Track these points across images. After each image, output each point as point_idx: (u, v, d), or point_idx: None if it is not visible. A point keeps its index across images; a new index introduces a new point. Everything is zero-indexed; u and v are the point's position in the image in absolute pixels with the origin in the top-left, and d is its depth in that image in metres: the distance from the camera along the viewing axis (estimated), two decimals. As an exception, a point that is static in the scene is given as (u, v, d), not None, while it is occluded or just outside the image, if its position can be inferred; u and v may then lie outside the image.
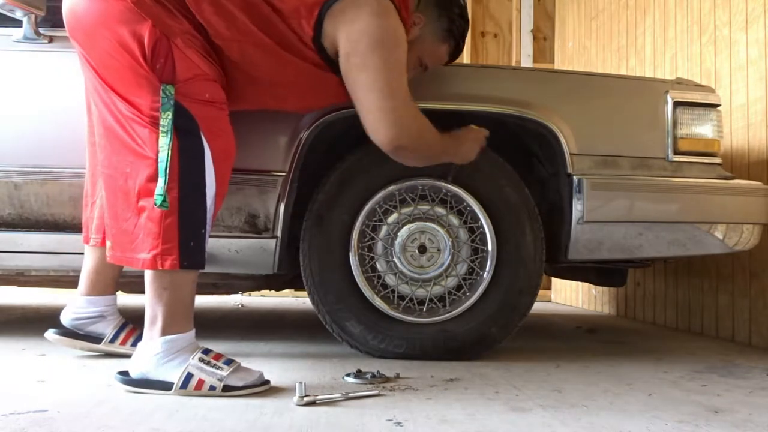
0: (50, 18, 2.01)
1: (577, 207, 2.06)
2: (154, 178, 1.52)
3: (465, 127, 1.98)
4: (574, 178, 2.07)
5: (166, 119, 1.52)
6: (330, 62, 1.74)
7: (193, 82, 1.57)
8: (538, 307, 3.05)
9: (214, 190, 1.59)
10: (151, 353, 1.56)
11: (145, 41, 1.52)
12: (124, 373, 1.59)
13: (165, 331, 1.56)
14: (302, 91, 1.83)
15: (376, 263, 2.08)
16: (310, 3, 1.69)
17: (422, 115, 1.80)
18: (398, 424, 1.33)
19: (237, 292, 3.24)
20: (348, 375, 1.75)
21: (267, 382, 1.61)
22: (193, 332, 1.61)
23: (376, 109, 1.70)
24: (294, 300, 4.30)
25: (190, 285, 1.60)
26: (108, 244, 1.67)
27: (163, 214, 1.52)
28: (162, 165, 1.51)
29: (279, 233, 2.02)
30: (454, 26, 1.95)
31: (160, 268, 1.53)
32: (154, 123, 1.53)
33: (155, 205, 1.51)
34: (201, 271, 1.63)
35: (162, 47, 1.53)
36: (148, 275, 1.57)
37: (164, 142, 1.52)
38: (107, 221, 1.68)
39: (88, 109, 1.87)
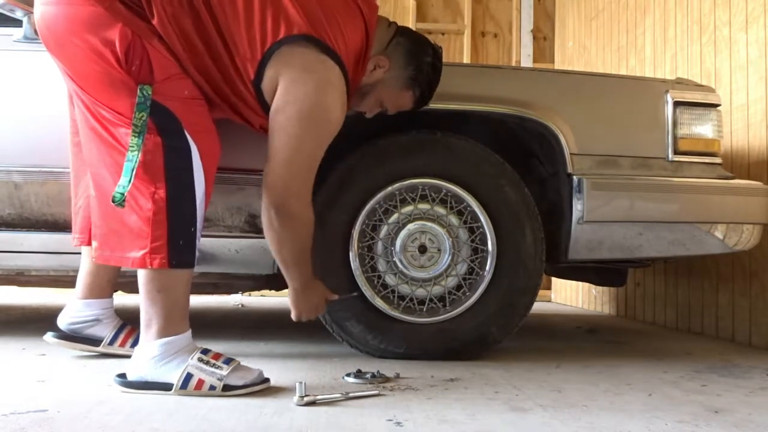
0: (50, 18, 2.00)
1: (577, 207, 2.06)
2: (139, 178, 1.51)
3: (319, 287, 1.92)
4: (574, 177, 2.07)
5: (139, 119, 1.50)
6: (262, 104, 1.69)
7: (170, 81, 1.56)
8: (538, 307, 3.05)
9: (203, 188, 1.58)
10: (149, 356, 1.56)
11: (117, 46, 1.50)
12: (123, 376, 1.59)
13: (161, 334, 1.56)
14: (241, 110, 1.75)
15: (377, 263, 2.08)
16: (260, 39, 1.62)
17: (310, 214, 1.73)
18: (398, 424, 1.33)
19: (237, 292, 3.25)
20: (348, 375, 1.75)
21: (267, 380, 1.61)
22: (189, 333, 1.61)
23: (275, 170, 1.66)
24: (294, 300, 4.29)
25: (183, 286, 1.59)
26: (94, 244, 1.66)
27: (153, 212, 1.51)
28: (129, 165, 1.50)
29: (279, 233, 2.01)
30: (420, 76, 1.86)
31: (150, 267, 1.52)
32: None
33: (113, 202, 1.49)
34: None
35: (136, 49, 1.52)
36: (141, 278, 1.56)
37: (134, 142, 1.50)
38: (95, 221, 1.66)
39: (69, 109, 1.87)
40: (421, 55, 1.87)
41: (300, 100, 1.63)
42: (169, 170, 1.53)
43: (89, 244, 1.83)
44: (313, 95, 1.63)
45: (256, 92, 1.66)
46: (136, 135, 1.50)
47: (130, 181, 1.49)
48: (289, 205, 1.69)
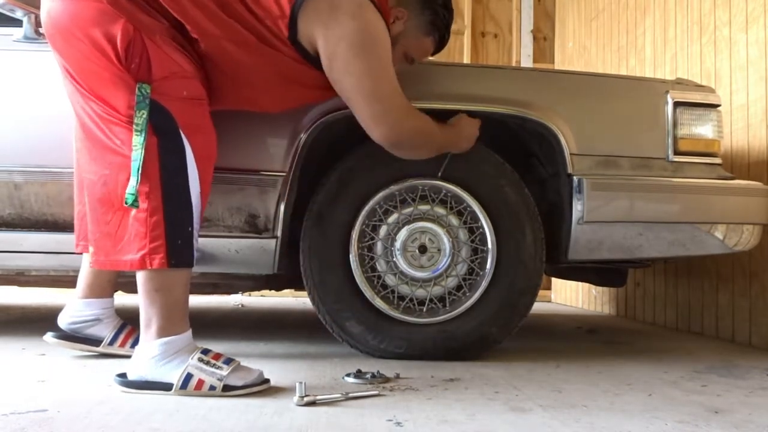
0: (50, 18, 2.00)
1: (577, 207, 2.06)
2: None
3: (457, 116, 2.00)
4: (574, 178, 2.07)
5: (140, 118, 1.51)
6: (309, 58, 1.73)
7: (169, 80, 1.56)
8: (538, 307, 3.05)
9: (198, 188, 1.58)
10: (149, 356, 1.56)
11: (118, 41, 1.51)
12: (123, 376, 1.59)
13: (161, 334, 1.56)
14: (279, 89, 1.80)
15: (376, 263, 2.08)
16: (283, 2, 1.67)
17: (415, 109, 1.82)
18: (398, 424, 1.33)
19: (237, 292, 3.24)
20: (348, 375, 1.75)
21: (267, 381, 1.61)
22: (189, 332, 1.61)
23: (366, 113, 1.75)
24: (294, 300, 4.30)
25: (182, 286, 1.59)
26: (91, 250, 1.65)
27: (149, 213, 1.51)
28: (135, 164, 1.50)
29: (279, 233, 2.02)
30: (437, 18, 1.95)
31: (149, 268, 1.52)
32: (131, 122, 1.52)
33: (125, 204, 1.50)
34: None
35: (136, 46, 1.52)
36: (140, 279, 1.56)
37: (138, 140, 1.51)
38: (90, 226, 1.65)
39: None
40: None
41: (344, 38, 1.67)
42: (164, 170, 1.53)
43: (87, 250, 1.83)
44: (353, 24, 1.68)
45: (296, 48, 1.70)
46: (138, 133, 1.51)
47: (138, 180, 1.50)
48: (402, 130, 1.78)
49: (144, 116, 1.51)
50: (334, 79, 1.73)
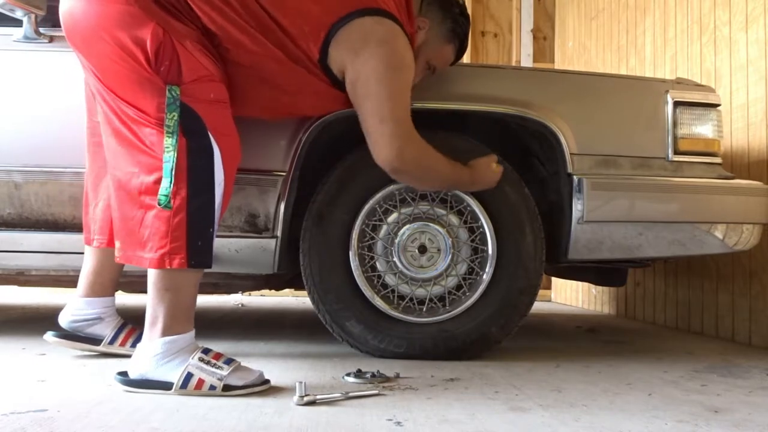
0: (50, 18, 2.00)
1: (577, 207, 2.06)
2: (161, 179, 1.53)
3: (479, 160, 1.99)
4: (575, 177, 2.07)
5: (171, 120, 1.53)
6: (335, 81, 1.78)
7: (198, 83, 1.58)
8: (538, 307, 3.05)
9: (223, 189, 1.60)
10: (151, 354, 1.56)
11: (148, 45, 1.52)
12: (124, 374, 1.59)
13: (165, 332, 1.56)
14: (304, 99, 1.85)
15: (376, 263, 2.08)
16: (316, 25, 1.71)
17: (424, 142, 1.82)
18: (398, 424, 1.33)
19: (237, 292, 3.25)
20: (348, 375, 1.75)
21: (267, 381, 1.61)
22: (193, 332, 1.61)
23: (377, 133, 1.77)
24: (294, 300, 4.30)
25: (192, 286, 1.60)
26: (117, 244, 1.67)
27: (172, 213, 1.53)
28: (167, 165, 1.52)
29: (279, 233, 2.02)
30: (457, 26, 1.98)
31: (168, 267, 1.53)
32: (161, 124, 1.53)
33: (158, 205, 1.52)
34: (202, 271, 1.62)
35: (166, 50, 1.53)
36: (152, 276, 1.56)
37: (169, 142, 1.53)
38: (116, 222, 1.67)
39: (88, 110, 1.87)
40: (451, 7, 1.99)
41: (370, 59, 1.71)
42: (192, 171, 1.55)
43: (111, 245, 1.83)
44: (381, 51, 1.72)
45: (324, 70, 1.74)
46: (170, 135, 1.53)
47: (171, 182, 1.52)
48: (407, 158, 1.78)
49: (175, 118, 1.53)
50: (354, 101, 1.78)
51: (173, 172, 1.52)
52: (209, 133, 1.57)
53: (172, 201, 1.52)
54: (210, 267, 1.61)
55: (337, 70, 1.76)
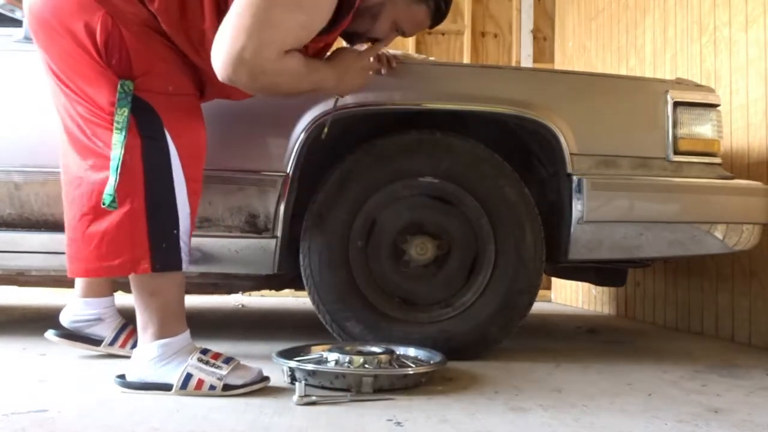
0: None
1: (577, 207, 2.06)
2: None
3: (337, 49, 1.71)
4: (574, 177, 2.07)
5: (121, 116, 1.45)
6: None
7: (153, 76, 1.50)
8: (538, 307, 3.05)
9: (186, 188, 1.53)
10: (148, 358, 1.55)
11: (97, 35, 1.45)
12: (123, 377, 1.59)
13: (158, 336, 1.54)
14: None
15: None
16: None
17: (287, 59, 1.48)
18: (398, 424, 1.33)
19: (237, 292, 3.24)
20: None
21: (266, 378, 1.61)
22: (187, 333, 1.59)
23: (223, 25, 1.44)
24: (294, 300, 4.30)
25: (175, 288, 1.56)
26: (67, 259, 1.57)
27: (130, 218, 1.46)
28: (113, 163, 1.44)
29: (279, 233, 2.02)
30: None
31: (133, 274, 1.49)
32: (112, 121, 1.47)
33: (103, 205, 1.44)
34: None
35: (114, 40, 1.46)
36: (133, 282, 1.53)
37: (118, 139, 1.45)
38: (68, 234, 1.56)
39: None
40: None
41: None
42: (148, 171, 1.48)
43: None
44: None
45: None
46: (119, 131, 1.45)
47: (116, 180, 1.44)
48: (262, 60, 1.43)
49: (125, 114, 1.46)
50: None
51: (119, 171, 1.44)
52: (165, 131, 1.50)
53: (117, 200, 1.44)
54: (180, 269, 1.54)
55: None
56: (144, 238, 1.48)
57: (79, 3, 1.48)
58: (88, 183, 1.49)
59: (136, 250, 1.47)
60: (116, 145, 1.45)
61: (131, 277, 1.52)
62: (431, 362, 1.76)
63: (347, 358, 1.65)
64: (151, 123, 1.49)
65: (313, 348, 1.82)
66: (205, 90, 1.68)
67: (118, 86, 1.47)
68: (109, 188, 1.44)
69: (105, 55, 1.47)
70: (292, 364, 1.64)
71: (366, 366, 1.63)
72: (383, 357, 1.68)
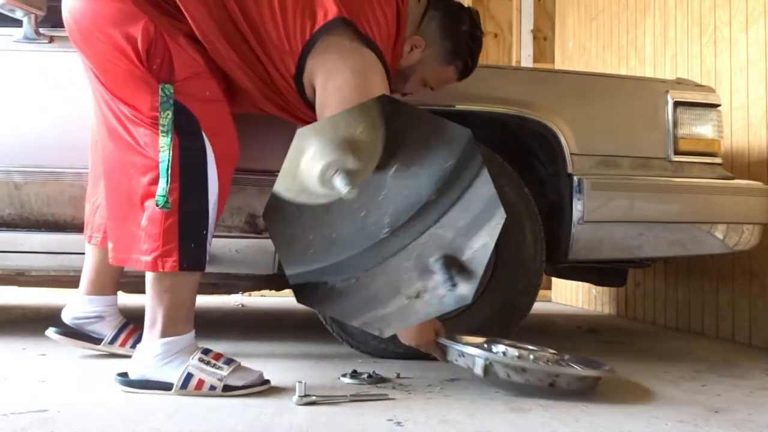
0: (50, 18, 2.01)
1: (577, 207, 2.06)
2: (156, 180, 1.52)
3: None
4: (575, 178, 2.07)
5: (165, 119, 1.51)
6: (305, 98, 1.67)
7: (192, 80, 1.56)
8: (538, 307, 3.04)
9: (217, 190, 1.58)
10: (151, 355, 1.56)
11: (139, 42, 1.50)
12: (124, 375, 1.59)
13: (164, 333, 1.55)
14: (273, 107, 1.76)
15: (376, 263, 2.07)
16: (295, 37, 1.58)
17: None
18: (398, 424, 1.33)
19: (237, 292, 3.25)
20: (344, 375, 1.75)
21: (267, 381, 1.61)
22: (192, 333, 1.61)
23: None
24: (294, 300, 4.29)
25: (190, 287, 1.59)
26: (110, 245, 1.67)
27: (164, 215, 1.51)
28: (163, 165, 1.51)
29: (279, 233, 2.01)
30: (459, 48, 1.85)
31: (161, 270, 1.52)
32: (155, 124, 1.52)
33: (157, 206, 1.50)
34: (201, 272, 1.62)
35: (158, 47, 1.52)
36: (149, 278, 1.56)
37: (164, 142, 1.51)
38: (109, 223, 1.66)
39: (94, 108, 1.86)
40: (456, 26, 1.86)
41: (340, 89, 1.58)
42: (184, 171, 1.53)
43: (105, 244, 1.82)
44: (353, 80, 1.57)
45: (297, 87, 1.64)
46: (165, 134, 1.51)
47: (168, 181, 1.50)
48: None
49: (169, 117, 1.51)
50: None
51: (169, 172, 1.50)
52: (203, 133, 1.55)
53: (170, 201, 1.51)
54: (204, 269, 1.59)
55: (309, 86, 1.63)
56: (175, 237, 1.52)
57: (119, 10, 1.52)
58: (135, 182, 1.55)
59: (166, 248, 1.51)
60: (164, 148, 1.51)
61: (150, 272, 1.55)
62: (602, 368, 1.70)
63: (531, 356, 1.67)
64: (191, 125, 1.54)
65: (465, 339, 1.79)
66: (236, 100, 1.72)
67: (159, 90, 1.51)
68: (161, 190, 1.50)
69: (146, 60, 1.51)
70: (497, 357, 1.61)
71: (549, 363, 1.66)
72: (550, 356, 1.71)
